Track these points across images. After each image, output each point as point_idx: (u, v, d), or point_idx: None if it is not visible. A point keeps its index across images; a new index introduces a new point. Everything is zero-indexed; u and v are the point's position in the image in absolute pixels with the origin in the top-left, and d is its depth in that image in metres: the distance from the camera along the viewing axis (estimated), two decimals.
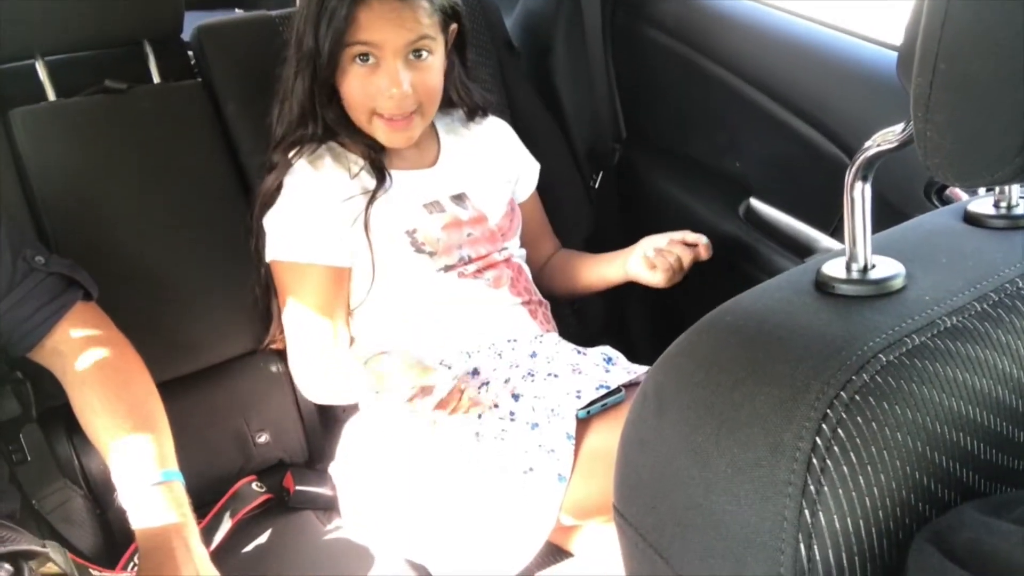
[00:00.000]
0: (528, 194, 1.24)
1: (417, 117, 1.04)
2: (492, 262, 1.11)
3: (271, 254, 1.06)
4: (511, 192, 1.20)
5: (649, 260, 1.10)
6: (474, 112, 1.18)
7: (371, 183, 1.05)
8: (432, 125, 1.15)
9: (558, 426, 0.95)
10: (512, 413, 0.99)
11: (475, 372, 1.05)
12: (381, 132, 1.04)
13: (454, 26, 1.08)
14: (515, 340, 1.09)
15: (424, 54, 1.02)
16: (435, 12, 1.02)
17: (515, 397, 1.01)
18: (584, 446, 0.94)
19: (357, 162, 1.06)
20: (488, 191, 1.15)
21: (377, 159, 1.06)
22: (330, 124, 1.06)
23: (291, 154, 1.06)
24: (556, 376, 1.03)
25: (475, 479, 0.97)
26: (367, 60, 1.00)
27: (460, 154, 1.16)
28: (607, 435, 0.93)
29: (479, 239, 1.11)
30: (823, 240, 1.22)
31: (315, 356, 1.05)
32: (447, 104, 1.13)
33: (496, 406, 1.00)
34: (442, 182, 1.12)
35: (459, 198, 1.12)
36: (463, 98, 1.15)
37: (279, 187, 1.06)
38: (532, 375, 1.04)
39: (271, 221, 1.06)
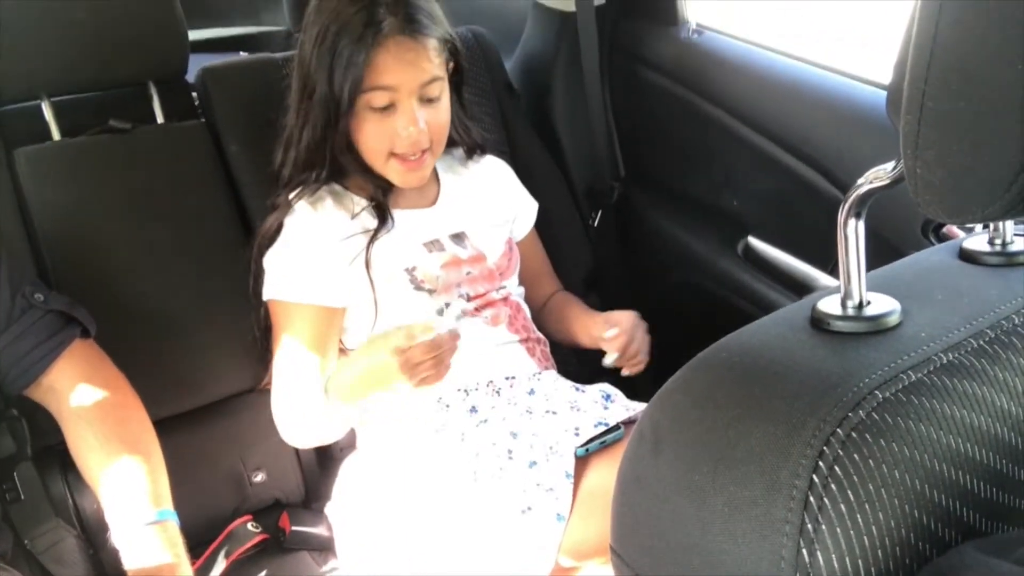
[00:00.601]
0: (525, 232, 1.25)
1: (429, 155, 1.05)
2: (490, 300, 1.11)
3: (267, 293, 1.06)
4: (509, 231, 1.20)
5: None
6: (473, 151, 1.19)
7: (372, 223, 1.06)
8: None
9: (557, 464, 0.94)
10: (510, 451, 0.98)
11: (473, 409, 1.05)
12: (396, 173, 1.05)
13: (451, 64, 1.10)
14: (513, 377, 1.08)
15: (435, 92, 1.03)
16: (442, 51, 1.04)
17: (513, 435, 1.00)
18: (583, 484, 0.93)
19: (359, 203, 1.07)
20: (487, 230, 1.15)
21: (383, 202, 1.07)
22: (344, 167, 1.06)
23: (292, 195, 1.07)
24: (554, 413, 1.02)
25: (473, 519, 0.95)
26: (386, 108, 1.00)
27: (459, 193, 1.17)
28: (606, 473, 0.92)
29: (477, 278, 1.11)
30: (822, 278, 1.22)
31: (296, 397, 1.04)
32: (448, 143, 1.14)
33: (494, 444, 1.00)
34: (442, 221, 1.13)
35: (458, 237, 1.12)
36: (463, 136, 1.17)
37: (279, 227, 1.06)
38: (530, 412, 1.03)
39: (270, 260, 1.06)
